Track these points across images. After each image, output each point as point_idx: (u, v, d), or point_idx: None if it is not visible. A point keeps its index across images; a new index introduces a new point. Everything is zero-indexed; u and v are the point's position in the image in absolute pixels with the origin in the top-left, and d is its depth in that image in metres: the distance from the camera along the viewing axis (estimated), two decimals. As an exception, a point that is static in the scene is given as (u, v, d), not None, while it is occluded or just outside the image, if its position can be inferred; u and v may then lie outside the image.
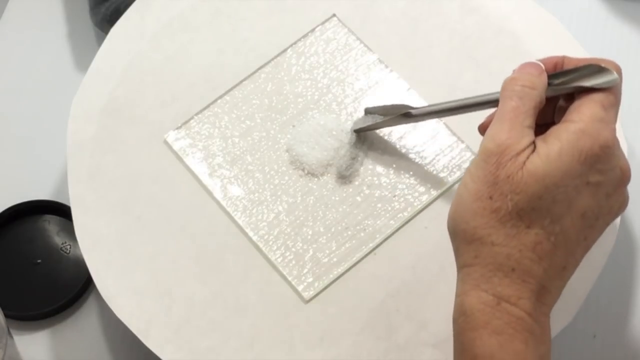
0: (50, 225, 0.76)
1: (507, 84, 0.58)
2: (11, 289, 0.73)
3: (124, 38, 0.75)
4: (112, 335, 0.73)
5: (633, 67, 0.81)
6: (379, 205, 0.70)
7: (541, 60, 0.59)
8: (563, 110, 0.57)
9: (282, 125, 0.73)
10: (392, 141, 0.72)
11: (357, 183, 0.71)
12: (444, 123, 0.72)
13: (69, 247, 0.75)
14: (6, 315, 0.70)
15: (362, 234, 0.69)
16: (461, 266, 0.56)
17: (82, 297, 0.74)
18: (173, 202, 0.70)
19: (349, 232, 0.69)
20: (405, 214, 0.70)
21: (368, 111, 0.71)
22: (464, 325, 0.55)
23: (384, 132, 0.72)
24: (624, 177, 0.57)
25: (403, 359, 0.65)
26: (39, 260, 0.74)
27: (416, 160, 0.71)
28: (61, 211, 0.75)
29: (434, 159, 0.71)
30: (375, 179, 0.71)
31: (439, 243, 0.68)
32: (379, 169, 0.71)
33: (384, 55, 0.75)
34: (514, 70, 0.59)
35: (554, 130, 0.56)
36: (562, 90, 0.58)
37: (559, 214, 0.54)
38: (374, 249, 0.69)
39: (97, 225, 0.69)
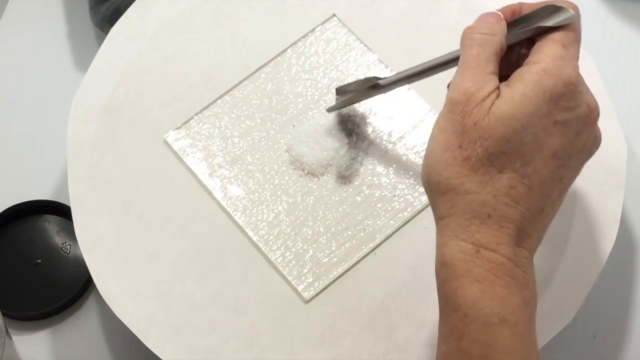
0: (50, 225, 0.76)
1: (466, 32, 0.57)
2: (11, 289, 0.73)
3: (124, 38, 0.75)
4: (112, 335, 0.73)
5: (633, 67, 0.81)
6: (379, 205, 0.70)
7: (499, 10, 0.59)
8: (525, 57, 0.57)
9: (282, 125, 0.73)
10: (392, 141, 0.72)
11: (357, 183, 0.71)
12: None
13: (69, 247, 0.75)
14: (6, 315, 0.71)
15: (362, 234, 0.69)
16: (439, 218, 0.56)
17: (82, 297, 0.74)
18: (173, 202, 0.70)
19: (349, 232, 0.69)
20: (405, 214, 0.70)
21: (339, 91, 0.71)
22: (445, 276, 0.55)
23: (383, 132, 0.72)
24: (592, 113, 0.56)
25: (403, 359, 0.66)
26: (39, 260, 0.74)
27: (416, 160, 0.71)
28: (61, 211, 0.75)
29: None
30: (375, 179, 0.71)
31: None
32: (379, 169, 0.71)
33: (384, 55, 0.75)
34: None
35: (517, 74, 0.56)
36: (522, 34, 0.58)
37: (530, 155, 0.54)
38: (374, 249, 0.69)
39: (97, 225, 0.69)
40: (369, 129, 0.72)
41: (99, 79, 0.74)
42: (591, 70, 0.74)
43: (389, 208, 0.70)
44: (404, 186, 0.71)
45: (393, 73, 0.73)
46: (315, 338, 0.66)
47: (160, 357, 0.65)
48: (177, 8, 0.76)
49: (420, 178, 0.57)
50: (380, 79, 0.67)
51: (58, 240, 0.75)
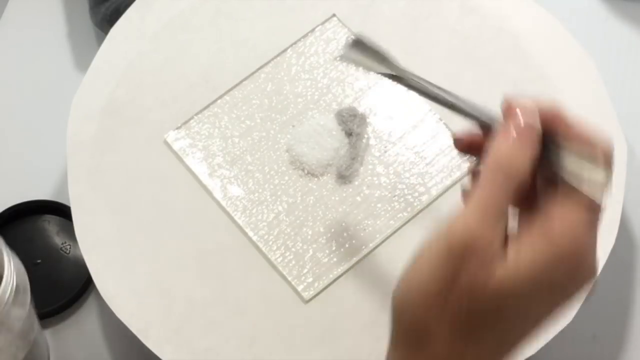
0: (50, 225, 0.76)
1: (495, 157, 0.48)
2: (11, 289, 0.73)
3: (124, 38, 0.75)
4: (112, 335, 0.73)
5: (633, 67, 0.81)
6: (379, 205, 0.70)
7: (534, 108, 0.49)
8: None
9: (282, 125, 0.73)
10: (392, 141, 0.72)
11: (357, 183, 0.71)
12: (444, 123, 0.72)
13: (69, 247, 0.75)
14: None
15: (362, 234, 0.69)
16: (392, 343, 0.50)
17: (82, 297, 0.73)
18: (173, 202, 0.70)
19: (349, 232, 0.69)
20: (405, 214, 0.70)
21: (358, 42, 0.59)
22: None
23: (383, 132, 0.72)
24: (591, 278, 0.49)
25: None
26: (39, 260, 0.74)
27: (416, 160, 0.71)
28: (61, 211, 0.75)
29: (433, 159, 0.72)
30: (375, 179, 0.71)
31: None
32: (379, 169, 0.71)
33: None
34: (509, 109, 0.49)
35: (529, 233, 0.48)
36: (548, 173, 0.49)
37: (512, 327, 0.48)
38: (373, 249, 0.69)
39: (97, 225, 0.69)
40: (369, 129, 0.72)
41: (99, 79, 0.74)
42: (591, 70, 0.74)
43: (389, 208, 0.70)
44: (404, 186, 0.71)
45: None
46: (315, 338, 0.66)
47: (160, 357, 0.65)
48: (177, 8, 0.76)
49: (392, 297, 0.49)
50: (406, 74, 0.59)
51: (58, 240, 0.75)
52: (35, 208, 0.76)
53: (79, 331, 0.73)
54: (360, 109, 0.73)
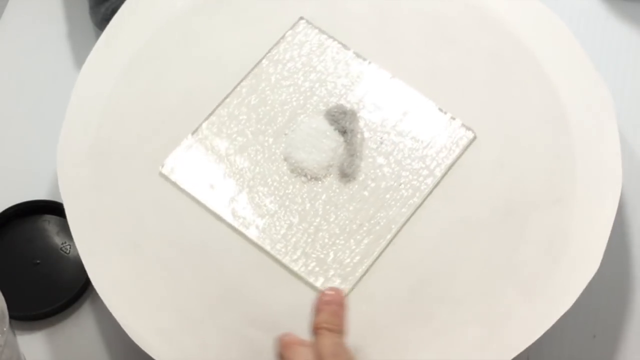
0: (50, 225, 0.76)
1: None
2: (11, 289, 0.73)
3: (97, 74, 0.74)
4: (112, 335, 0.73)
5: (633, 67, 0.81)
6: (387, 195, 0.70)
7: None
8: None
9: (275, 135, 0.72)
10: (386, 131, 0.72)
11: (361, 178, 0.71)
12: (434, 103, 0.73)
13: (68, 247, 0.75)
14: (6, 315, 0.70)
15: (378, 227, 0.69)
16: None
17: (82, 297, 0.73)
18: (181, 231, 0.69)
19: (365, 228, 0.69)
20: (415, 199, 0.70)
21: None
22: None
23: (375, 123, 0.72)
24: None
25: (446, 342, 0.65)
26: (38, 261, 0.74)
27: (414, 146, 0.71)
28: (61, 211, 0.75)
29: (430, 141, 0.72)
30: (377, 171, 0.71)
31: (453, 222, 0.68)
32: (380, 160, 0.71)
33: (359, 49, 0.74)
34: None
35: None
36: None
37: None
38: (391, 239, 0.69)
39: (108, 268, 0.68)
40: (361, 123, 0.72)
41: (80, 120, 0.72)
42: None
43: (398, 197, 0.70)
44: (407, 173, 0.71)
45: (375, 66, 0.74)
46: (357, 338, 0.64)
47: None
48: (143, 37, 0.75)
49: None
50: None
51: (58, 240, 0.75)
52: (35, 208, 0.76)
53: (79, 331, 0.73)
54: (348, 105, 0.73)
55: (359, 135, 0.72)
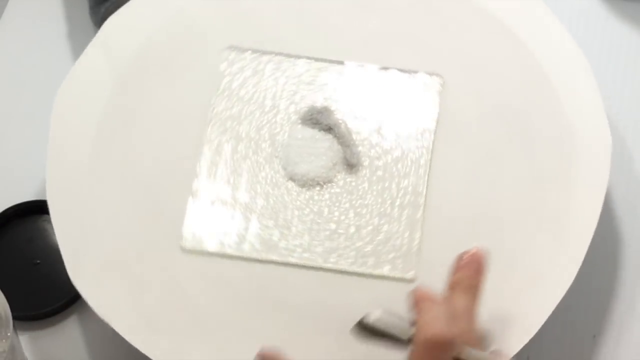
0: (50, 225, 0.75)
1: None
2: (11, 289, 0.73)
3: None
4: (112, 336, 0.72)
5: (633, 67, 0.81)
6: (399, 166, 0.71)
7: None
8: None
9: (268, 162, 0.71)
10: (365, 114, 0.72)
11: (366, 163, 0.71)
12: (399, 70, 0.74)
13: (69, 247, 0.75)
14: (6, 315, 0.70)
15: (408, 197, 0.70)
16: None
17: (82, 297, 0.73)
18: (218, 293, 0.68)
19: (398, 202, 0.70)
20: (425, 157, 0.71)
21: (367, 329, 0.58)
22: None
23: (351, 109, 0.73)
24: None
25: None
26: (38, 261, 0.74)
27: (398, 109, 0.72)
28: (61, 211, 0.75)
29: (409, 100, 0.73)
30: (378, 149, 0.71)
31: (467, 161, 0.71)
32: (374, 139, 0.72)
33: (296, 50, 0.75)
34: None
35: None
36: None
37: None
38: (428, 201, 0.69)
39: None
40: (338, 116, 0.72)
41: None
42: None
43: (408, 163, 0.71)
44: (404, 138, 0.71)
45: (318, 60, 0.74)
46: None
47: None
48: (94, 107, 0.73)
49: None
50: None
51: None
52: (35, 208, 0.76)
53: (79, 331, 0.73)
54: (317, 104, 0.73)
55: (342, 126, 0.72)
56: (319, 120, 0.72)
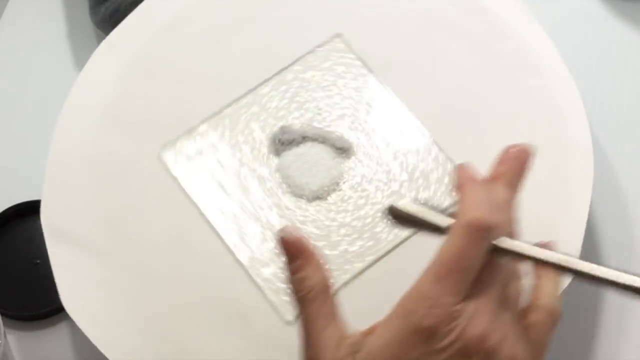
0: (50, 225, 0.76)
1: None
2: (11, 289, 0.73)
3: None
4: (112, 335, 0.73)
5: (633, 67, 0.81)
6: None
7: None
8: None
9: (272, 181, 0.70)
10: (318, 105, 0.73)
11: (356, 145, 0.71)
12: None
13: (68, 247, 0.75)
14: (5, 315, 0.71)
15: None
16: None
17: (82, 297, 0.74)
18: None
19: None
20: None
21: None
22: None
23: (328, 111, 0.72)
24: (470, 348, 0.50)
25: None
26: (38, 260, 0.74)
27: (329, 90, 0.73)
28: (61, 211, 0.75)
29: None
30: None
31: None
32: (341, 123, 0.72)
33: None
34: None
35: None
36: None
37: None
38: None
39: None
40: (298, 121, 0.72)
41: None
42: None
43: (397, 134, 0.71)
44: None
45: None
46: None
47: None
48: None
49: None
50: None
51: (58, 240, 0.75)
52: (35, 208, 0.76)
53: (79, 331, 0.73)
54: (279, 124, 0.72)
55: (309, 127, 0.71)
56: (287, 139, 0.71)
